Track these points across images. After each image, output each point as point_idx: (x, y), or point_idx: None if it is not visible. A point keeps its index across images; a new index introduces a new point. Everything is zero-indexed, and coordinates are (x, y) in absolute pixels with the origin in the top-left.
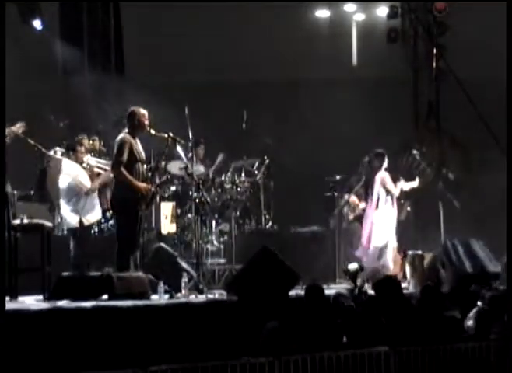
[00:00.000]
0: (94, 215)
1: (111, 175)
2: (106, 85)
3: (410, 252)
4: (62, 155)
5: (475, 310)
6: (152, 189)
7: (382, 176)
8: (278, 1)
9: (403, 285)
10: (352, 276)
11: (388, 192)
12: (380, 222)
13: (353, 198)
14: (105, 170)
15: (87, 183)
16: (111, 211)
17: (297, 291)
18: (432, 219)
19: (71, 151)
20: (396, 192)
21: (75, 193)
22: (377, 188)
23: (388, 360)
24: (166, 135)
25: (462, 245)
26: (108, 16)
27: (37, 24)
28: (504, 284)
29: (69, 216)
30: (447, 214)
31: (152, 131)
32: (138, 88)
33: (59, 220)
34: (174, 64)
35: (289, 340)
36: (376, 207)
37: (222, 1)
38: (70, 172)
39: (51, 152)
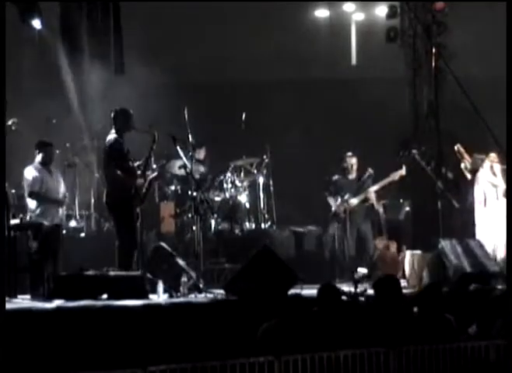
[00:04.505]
0: (50, 217)
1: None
2: (106, 85)
3: (410, 252)
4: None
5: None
6: (145, 184)
7: (479, 175)
8: (279, 1)
9: (402, 285)
10: (356, 281)
11: (494, 185)
12: (487, 219)
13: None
14: None
15: (49, 184)
16: (108, 210)
17: (296, 291)
18: (431, 219)
19: (38, 150)
20: (498, 181)
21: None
22: (480, 187)
23: (388, 360)
24: (153, 132)
25: (460, 245)
26: (108, 16)
27: (37, 24)
28: (504, 283)
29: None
30: (446, 214)
31: (138, 129)
32: (138, 88)
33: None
34: (174, 64)
35: (288, 340)
36: (485, 205)
37: (222, 1)
38: (32, 172)
39: None
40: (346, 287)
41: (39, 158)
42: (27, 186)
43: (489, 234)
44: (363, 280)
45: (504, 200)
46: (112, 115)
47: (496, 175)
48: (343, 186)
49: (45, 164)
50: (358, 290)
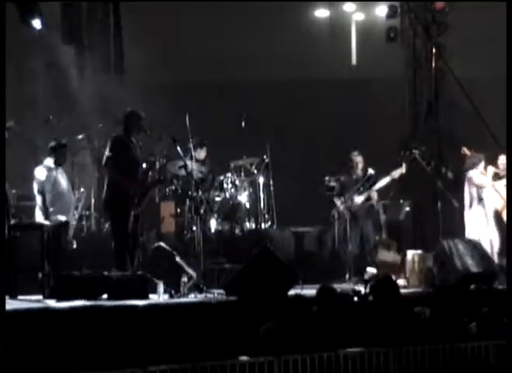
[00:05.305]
0: (64, 216)
1: None
2: (106, 85)
3: (410, 252)
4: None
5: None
6: (143, 187)
7: (469, 176)
8: (279, 1)
9: (402, 285)
10: (366, 280)
11: (480, 187)
12: (473, 221)
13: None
14: None
15: (62, 183)
16: (104, 209)
17: (296, 291)
18: (431, 219)
19: (52, 151)
20: (487, 182)
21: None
22: (467, 188)
23: (388, 360)
24: (160, 136)
25: (460, 245)
26: (108, 16)
27: (37, 24)
28: (504, 283)
29: (39, 214)
30: (446, 214)
31: (148, 131)
32: (138, 88)
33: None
34: (174, 64)
35: (288, 340)
36: (470, 206)
37: (222, 1)
38: (44, 172)
39: None
40: (356, 287)
41: (53, 158)
42: (38, 184)
43: (477, 235)
44: (374, 279)
45: (487, 202)
46: (123, 116)
47: (486, 175)
48: (347, 186)
49: (59, 165)
50: (367, 290)
